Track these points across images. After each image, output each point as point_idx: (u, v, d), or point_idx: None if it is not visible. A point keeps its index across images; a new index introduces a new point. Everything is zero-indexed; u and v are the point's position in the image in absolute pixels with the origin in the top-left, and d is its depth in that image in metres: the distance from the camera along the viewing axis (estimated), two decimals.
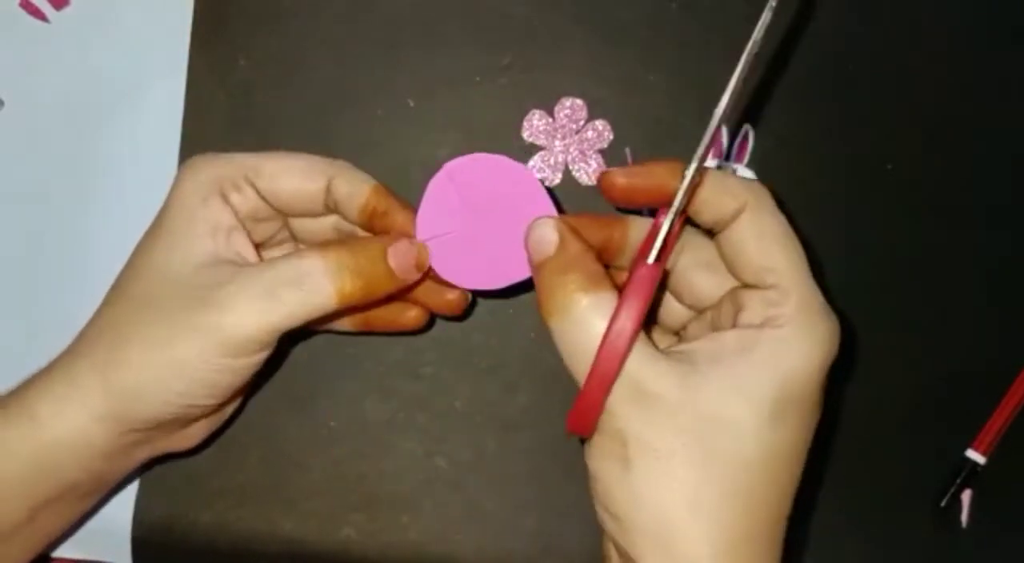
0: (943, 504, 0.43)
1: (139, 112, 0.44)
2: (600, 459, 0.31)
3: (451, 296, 0.38)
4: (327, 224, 0.39)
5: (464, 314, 0.40)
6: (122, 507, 0.43)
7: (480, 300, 0.43)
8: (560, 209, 0.36)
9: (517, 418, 0.43)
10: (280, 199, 0.37)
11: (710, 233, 0.34)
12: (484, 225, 0.36)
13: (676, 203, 0.30)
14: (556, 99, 0.44)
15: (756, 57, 0.30)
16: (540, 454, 0.43)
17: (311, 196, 0.36)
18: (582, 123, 0.44)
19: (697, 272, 0.34)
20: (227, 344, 0.32)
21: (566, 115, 0.44)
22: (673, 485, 0.29)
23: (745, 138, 0.44)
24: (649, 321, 0.36)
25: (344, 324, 0.40)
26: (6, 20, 0.45)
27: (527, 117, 0.44)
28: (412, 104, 0.44)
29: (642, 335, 0.30)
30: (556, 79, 0.44)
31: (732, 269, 0.33)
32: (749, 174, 0.44)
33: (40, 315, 0.44)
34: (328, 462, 0.43)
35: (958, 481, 0.43)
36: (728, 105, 0.30)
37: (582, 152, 0.44)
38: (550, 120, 0.44)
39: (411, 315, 0.39)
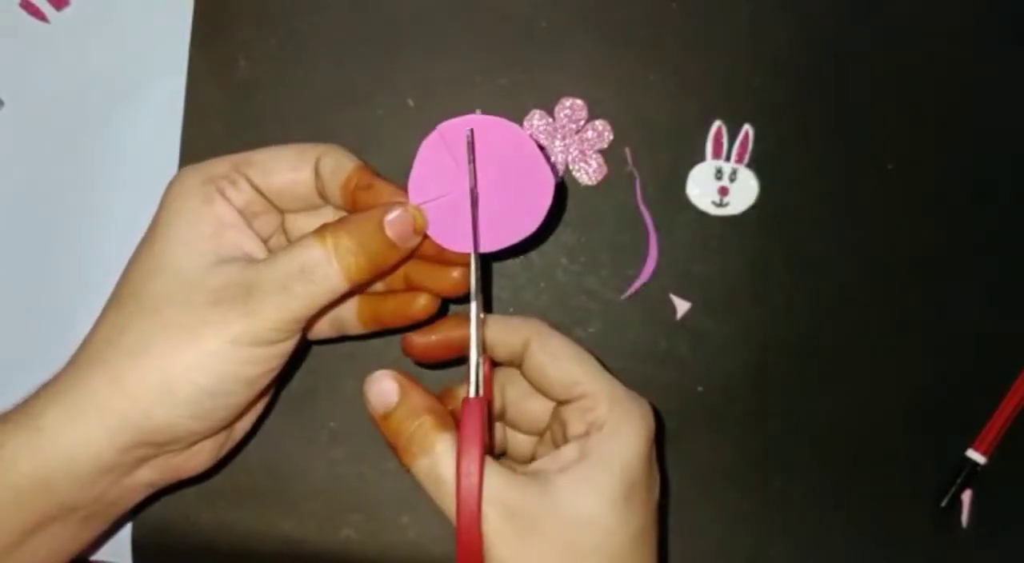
0: (943, 504, 0.43)
1: (139, 112, 0.44)
2: None
3: (455, 274, 0.37)
4: (325, 217, 0.38)
5: (468, 297, 0.39)
6: None
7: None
8: (553, 169, 0.36)
9: None
10: (273, 188, 0.36)
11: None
12: (480, 186, 0.35)
13: (473, 338, 0.34)
14: (556, 99, 0.44)
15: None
16: None
17: (303, 183, 0.36)
18: (582, 123, 0.44)
19: (524, 401, 0.38)
20: (250, 336, 0.32)
21: (566, 115, 0.44)
22: None
23: (745, 138, 0.44)
24: (500, 456, 0.40)
25: (356, 327, 0.39)
26: (6, 20, 0.45)
27: (527, 117, 0.44)
28: (412, 104, 0.44)
29: (497, 463, 0.33)
30: (556, 79, 0.44)
31: (543, 392, 0.37)
32: (749, 174, 0.44)
33: (40, 315, 0.44)
34: (328, 462, 0.43)
35: (958, 481, 0.43)
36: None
37: (582, 152, 0.44)
38: (550, 120, 0.44)
39: (420, 304, 0.38)
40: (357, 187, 0.36)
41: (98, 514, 0.35)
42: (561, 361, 0.36)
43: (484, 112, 0.35)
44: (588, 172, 0.44)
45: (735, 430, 0.44)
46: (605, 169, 0.44)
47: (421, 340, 0.38)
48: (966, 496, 0.44)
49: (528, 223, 0.36)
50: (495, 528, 0.32)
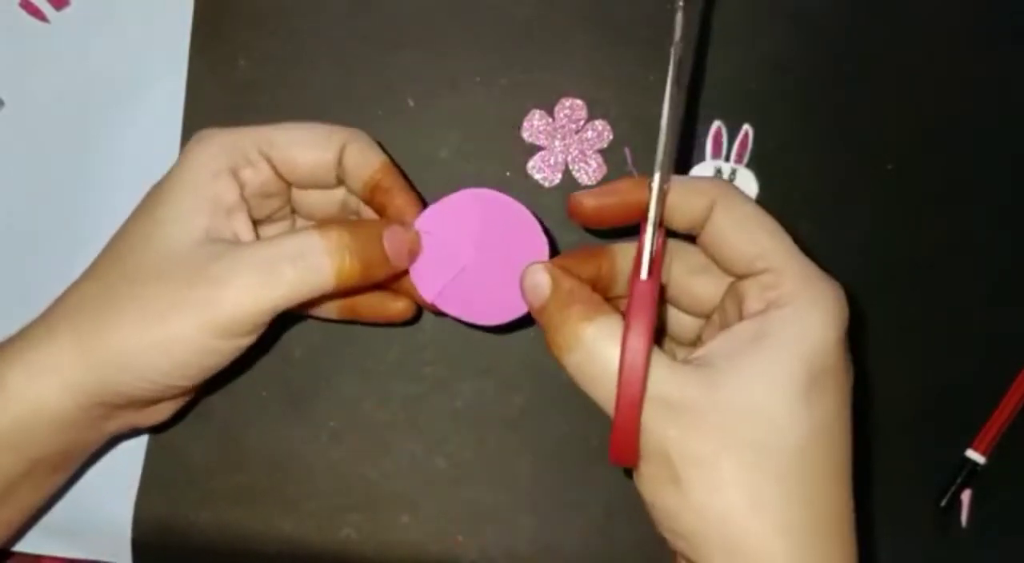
0: (943, 504, 0.43)
1: (139, 112, 0.44)
2: (651, 484, 0.30)
3: (400, 304, 0.39)
4: (335, 199, 0.39)
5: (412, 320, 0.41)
6: (122, 507, 0.43)
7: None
8: (554, 246, 0.36)
9: (517, 418, 0.43)
10: (295, 170, 0.36)
11: (692, 239, 0.34)
12: (483, 260, 0.36)
13: (651, 214, 0.31)
14: (556, 99, 0.44)
15: (681, 62, 0.31)
16: (540, 454, 0.43)
17: (324, 166, 0.36)
18: (582, 123, 0.44)
19: (692, 278, 0.35)
20: (222, 323, 0.32)
21: (566, 115, 0.44)
22: (728, 490, 0.29)
23: (745, 138, 0.44)
24: (661, 337, 0.37)
25: (331, 311, 0.40)
26: (6, 20, 0.45)
27: (527, 117, 0.44)
28: (412, 104, 0.44)
29: (657, 350, 0.30)
30: (556, 79, 0.44)
31: (722, 265, 0.33)
32: (749, 174, 0.44)
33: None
34: (328, 462, 0.43)
35: (958, 481, 0.43)
36: (670, 110, 0.31)
37: (582, 152, 0.44)
38: (550, 120, 0.44)
39: (398, 306, 0.39)
40: (377, 187, 0.36)
41: (61, 465, 0.37)
42: (745, 229, 0.32)
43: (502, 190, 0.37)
44: (588, 172, 0.44)
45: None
46: (605, 169, 0.44)
47: (595, 202, 0.34)
48: (966, 496, 0.44)
49: (518, 308, 0.36)
50: (654, 420, 0.29)
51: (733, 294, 0.33)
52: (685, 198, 0.33)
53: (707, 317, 0.36)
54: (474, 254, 0.36)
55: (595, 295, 0.32)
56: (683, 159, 0.44)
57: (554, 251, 0.37)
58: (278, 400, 0.43)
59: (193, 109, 0.44)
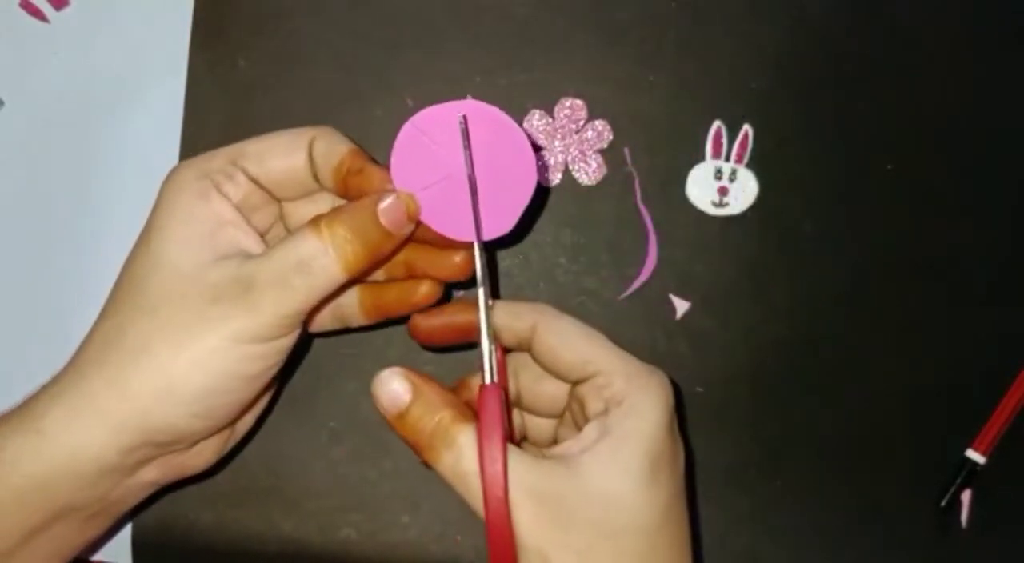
0: (943, 504, 0.43)
1: (139, 112, 0.44)
2: None
3: (457, 258, 0.37)
4: (323, 207, 0.38)
5: (473, 280, 0.39)
6: None
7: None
8: (535, 145, 0.35)
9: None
10: (271, 177, 0.36)
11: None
12: (464, 172, 0.35)
13: (483, 329, 0.34)
14: (556, 99, 0.44)
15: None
16: None
17: (299, 169, 0.36)
18: (582, 123, 0.44)
19: (539, 384, 0.38)
20: (250, 332, 0.32)
21: (566, 115, 0.44)
22: None
23: (745, 138, 0.44)
24: (521, 442, 0.40)
25: (359, 318, 0.39)
26: (6, 20, 0.45)
27: (527, 117, 0.44)
28: (412, 104, 0.44)
29: (519, 450, 0.32)
30: (556, 79, 0.44)
31: (556, 374, 0.36)
32: (749, 174, 0.44)
33: (40, 315, 0.44)
34: (328, 462, 0.43)
35: (958, 481, 0.43)
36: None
37: (582, 152, 0.44)
38: (550, 120, 0.44)
39: (423, 291, 0.37)
40: (349, 171, 0.35)
41: (100, 514, 0.35)
42: (571, 341, 0.35)
43: (466, 98, 0.35)
44: (588, 172, 0.44)
45: (734, 430, 0.44)
46: (605, 169, 0.44)
47: (427, 323, 0.37)
48: (966, 496, 0.44)
49: (516, 203, 0.35)
50: (526, 513, 0.31)
51: (575, 397, 0.36)
52: (509, 321, 0.36)
53: (559, 417, 0.38)
54: (460, 166, 0.35)
55: (455, 398, 0.34)
56: (683, 159, 0.44)
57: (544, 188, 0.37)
58: (278, 400, 0.43)
59: (193, 109, 0.44)
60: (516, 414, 0.39)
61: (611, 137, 0.44)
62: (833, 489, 0.44)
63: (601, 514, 0.31)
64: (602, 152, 0.44)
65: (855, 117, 0.45)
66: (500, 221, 0.35)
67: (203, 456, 0.37)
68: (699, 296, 0.44)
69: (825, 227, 0.44)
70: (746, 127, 0.44)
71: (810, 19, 0.45)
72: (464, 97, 0.44)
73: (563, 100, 0.44)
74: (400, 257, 0.38)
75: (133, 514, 0.43)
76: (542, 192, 0.44)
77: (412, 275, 0.38)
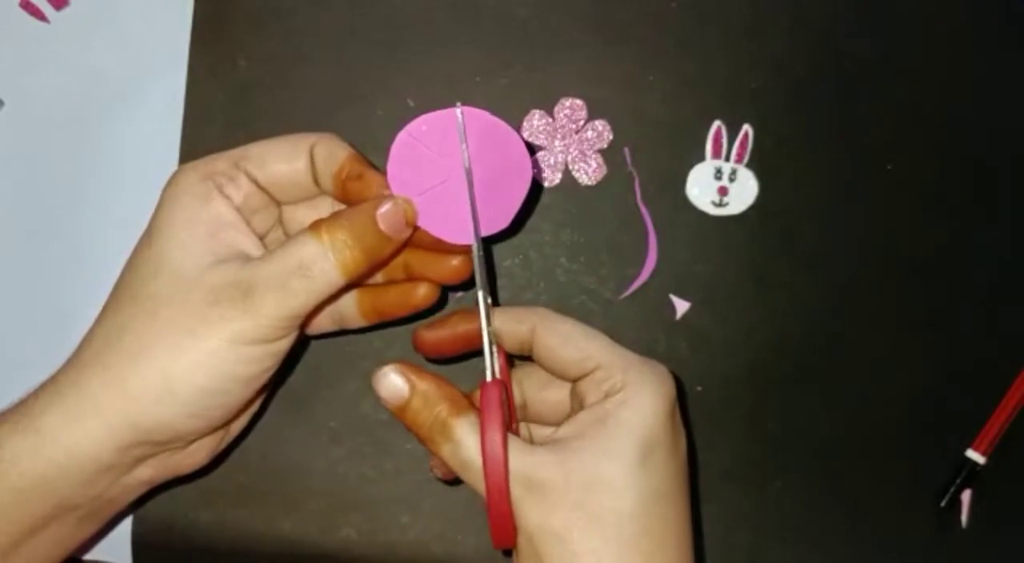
0: (943, 504, 0.43)
1: (139, 112, 0.44)
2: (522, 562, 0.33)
3: (455, 262, 0.37)
4: (323, 212, 0.38)
5: (470, 282, 0.39)
6: None
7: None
8: (530, 146, 0.36)
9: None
10: (272, 180, 0.36)
11: (529, 358, 0.38)
12: (458, 176, 0.35)
13: (484, 329, 0.35)
14: (556, 99, 0.44)
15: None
16: None
17: (299, 173, 0.36)
18: (582, 123, 0.44)
19: (543, 391, 0.38)
20: (249, 334, 0.32)
21: (566, 115, 0.44)
22: (580, 560, 0.32)
23: (745, 138, 0.44)
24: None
25: (358, 320, 0.39)
26: (6, 20, 0.45)
27: (527, 117, 0.44)
28: (412, 104, 0.44)
29: (515, 438, 0.33)
30: (556, 79, 0.44)
31: (558, 374, 0.37)
32: (749, 174, 0.44)
33: (40, 315, 0.44)
34: (328, 462, 0.43)
35: (958, 481, 0.43)
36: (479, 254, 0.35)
37: (582, 152, 0.44)
38: (550, 120, 0.44)
39: (421, 293, 0.38)
40: (348, 177, 0.36)
41: (97, 512, 0.36)
42: (570, 339, 0.36)
43: (458, 105, 0.35)
44: (588, 172, 0.44)
45: (734, 430, 0.44)
46: (605, 169, 0.44)
47: (431, 335, 0.38)
48: (966, 496, 0.44)
49: (512, 200, 0.36)
50: (517, 499, 0.32)
51: (576, 394, 0.36)
52: (509, 325, 0.37)
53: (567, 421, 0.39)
54: (457, 171, 0.35)
55: (454, 390, 0.35)
56: (683, 159, 0.44)
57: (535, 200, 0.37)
58: (278, 400, 0.43)
59: (193, 109, 0.44)
60: (523, 427, 0.40)
61: (611, 137, 0.44)
62: (833, 489, 0.44)
63: (584, 496, 0.32)
64: (602, 152, 0.44)
65: (855, 117, 0.45)
66: (497, 219, 0.36)
67: (197, 455, 0.37)
68: (699, 296, 0.44)
69: (825, 227, 0.44)
70: (746, 127, 0.44)
71: (810, 19, 0.45)
72: (462, 98, 0.44)
73: (563, 100, 0.44)
74: (399, 260, 0.38)
75: (133, 512, 0.43)
76: (536, 189, 0.44)
77: (410, 278, 0.39)
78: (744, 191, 0.44)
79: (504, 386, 0.34)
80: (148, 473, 0.36)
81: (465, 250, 0.36)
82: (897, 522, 0.44)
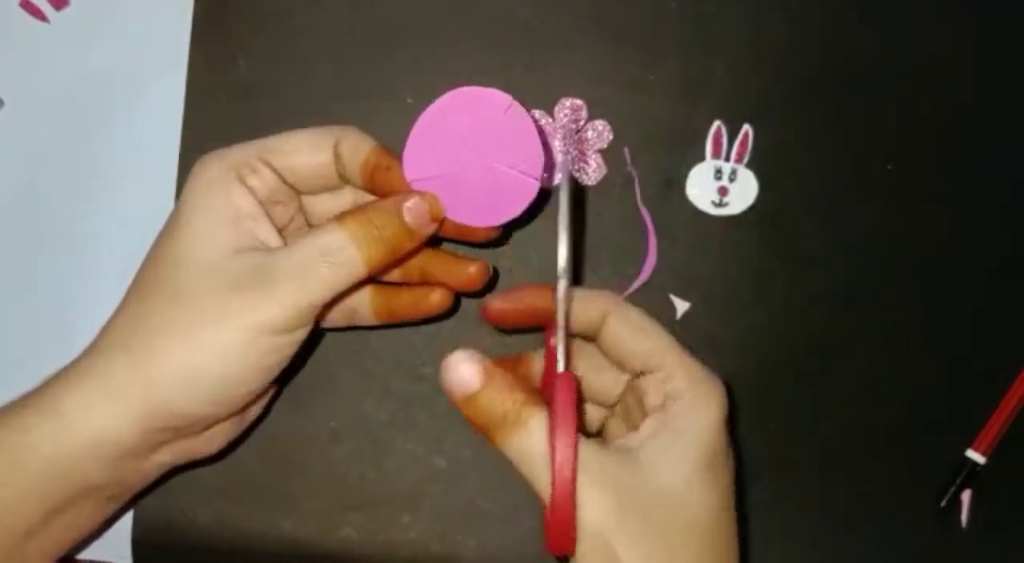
0: (943, 504, 0.43)
1: (139, 112, 0.44)
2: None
3: (472, 269, 0.38)
4: (344, 202, 0.39)
5: (483, 290, 0.39)
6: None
7: (478, 299, 0.43)
8: (540, 131, 0.36)
9: None
10: (296, 173, 0.37)
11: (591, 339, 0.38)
12: (475, 160, 0.36)
13: (560, 318, 0.33)
14: (556, 99, 0.44)
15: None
16: None
17: (324, 165, 0.37)
18: (582, 123, 0.44)
19: (593, 375, 0.38)
20: (272, 321, 0.33)
21: (566, 115, 0.44)
22: None
23: (745, 138, 0.44)
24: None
25: (369, 318, 0.40)
26: (6, 20, 0.45)
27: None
28: (412, 102, 0.44)
29: (587, 438, 0.33)
30: (556, 79, 0.44)
31: (620, 364, 0.37)
32: (749, 174, 0.44)
33: (40, 315, 0.44)
34: (328, 462, 0.43)
35: (958, 481, 0.43)
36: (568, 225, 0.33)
37: (582, 152, 0.44)
38: (550, 120, 0.44)
39: (434, 298, 0.39)
40: (376, 168, 0.36)
41: (116, 495, 0.36)
42: (639, 332, 0.36)
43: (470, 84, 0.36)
44: (588, 172, 0.44)
45: (735, 430, 0.44)
46: (605, 169, 0.44)
47: (501, 305, 0.37)
48: (966, 496, 0.44)
49: (527, 187, 0.36)
50: (590, 498, 0.31)
51: (633, 390, 0.37)
52: (581, 308, 0.36)
53: (610, 408, 0.39)
54: (470, 155, 0.36)
55: (526, 383, 0.34)
56: (683, 159, 0.44)
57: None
58: (278, 400, 0.43)
59: (193, 109, 0.44)
60: None
61: (611, 137, 0.44)
62: (833, 489, 0.44)
63: (657, 507, 0.32)
64: (602, 152, 0.44)
65: (855, 117, 0.45)
66: (511, 206, 0.36)
67: (214, 441, 0.38)
68: (699, 296, 0.44)
69: (825, 227, 0.44)
70: (746, 127, 0.44)
71: (810, 19, 0.45)
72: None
73: (563, 100, 0.44)
74: (416, 262, 0.39)
75: (133, 514, 0.43)
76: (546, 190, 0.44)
77: (426, 282, 0.39)
78: (744, 191, 0.44)
79: (577, 380, 0.34)
80: (166, 457, 0.36)
81: (488, 234, 0.37)
82: (897, 522, 0.44)
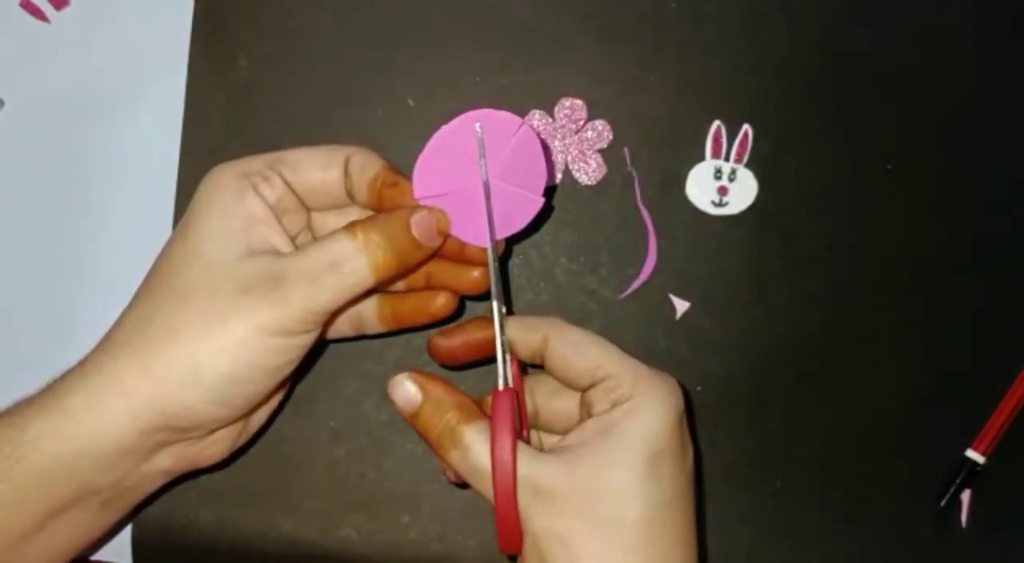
0: (943, 504, 0.43)
1: (139, 112, 0.44)
2: None
3: (475, 273, 0.39)
4: (351, 219, 0.39)
5: (486, 293, 0.39)
6: None
7: (483, 301, 0.43)
8: (545, 145, 0.36)
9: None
10: (305, 186, 0.37)
11: (542, 367, 0.38)
12: (485, 183, 0.36)
13: (497, 338, 0.36)
14: (556, 99, 0.44)
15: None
16: None
17: (333, 181, 0.37)
18: (582, 123, 0.44)
19: (554, 400, 0.39)
20: (277, 325, 0.33)
21: (566, 115, 0.44)
22: None
23: (744, 138, 0.44)
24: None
25: (376, 326, 0.40)
26: (6, 20, 0.45)
27: (527, 117, 0.44)
28: (412, 104, 0.44)
29: (524, 446, 0.34)
30: (556, 79, 0.44)
31: (569, 383, 0.37)
32: (748, 174, 0.44)
33: (40, 315, 0.44)
34: (328, 462, 0.43)
35: (958, 481, 0.43)
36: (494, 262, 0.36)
37: (582, 152, 0.44)
38: (550, 120, 0.44)
39: (440, 302, 0.39)
40: (383, 184, 0.37)
41: (116, 500, 0.36)
42: (581, 348, 0.36)
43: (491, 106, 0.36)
44: (587, 172, 0.44)
45: (734, 430, 0.44)
46: (604, 169, 0.44)
47: (446, 342, 0.39)
48: (966, 496, 0.44)
49: (530, 205, 0.37)
50: (524, 505, 0.33)
51: (584, 404, 0.37)
52: (522, 334, 0.37)
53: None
54: (478, 174, 0.36)
55: (464, 398, 0.36)
56: (683, 159, 0.44)
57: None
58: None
59: (193, 109, 0.44)
60: (534, 434, 0.40)
61: (611, 137, 0.44)
62: (833, 489, 0.44)
63: (590, 503, 0.33)
64: (602, 152, 0.44)
65: (855, 117, 0.45)
66: (514, 221, 0.37)
67: (217, 447, 0.38)
68: (699, 296, 0.44)
69: (825, 227, 0.44)
70: (746, 127, 0.44)
71: (810, 19, 0.45)
72: (462, 98, 0.44)
73: (563, 100, 0.44)
74: (421, 268, 0.39)
75: (133, 514, 0.43)
76: (550, 193, 0.44)
77: (430, 286, 0.39)
78: (744, 191, 0.44)
79: (516, 394, 0.35)
80: (168, 462, 0.36)
81: (485, 261, 0.37)
82: (897, 522, 0.44)
